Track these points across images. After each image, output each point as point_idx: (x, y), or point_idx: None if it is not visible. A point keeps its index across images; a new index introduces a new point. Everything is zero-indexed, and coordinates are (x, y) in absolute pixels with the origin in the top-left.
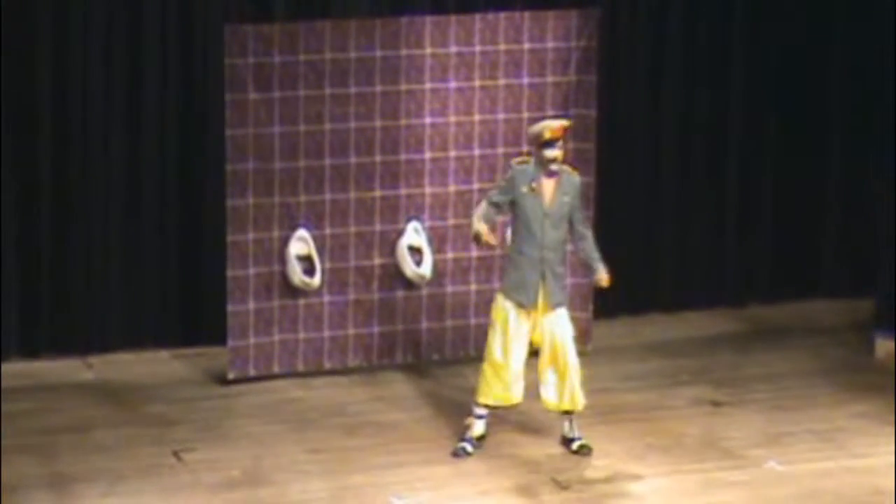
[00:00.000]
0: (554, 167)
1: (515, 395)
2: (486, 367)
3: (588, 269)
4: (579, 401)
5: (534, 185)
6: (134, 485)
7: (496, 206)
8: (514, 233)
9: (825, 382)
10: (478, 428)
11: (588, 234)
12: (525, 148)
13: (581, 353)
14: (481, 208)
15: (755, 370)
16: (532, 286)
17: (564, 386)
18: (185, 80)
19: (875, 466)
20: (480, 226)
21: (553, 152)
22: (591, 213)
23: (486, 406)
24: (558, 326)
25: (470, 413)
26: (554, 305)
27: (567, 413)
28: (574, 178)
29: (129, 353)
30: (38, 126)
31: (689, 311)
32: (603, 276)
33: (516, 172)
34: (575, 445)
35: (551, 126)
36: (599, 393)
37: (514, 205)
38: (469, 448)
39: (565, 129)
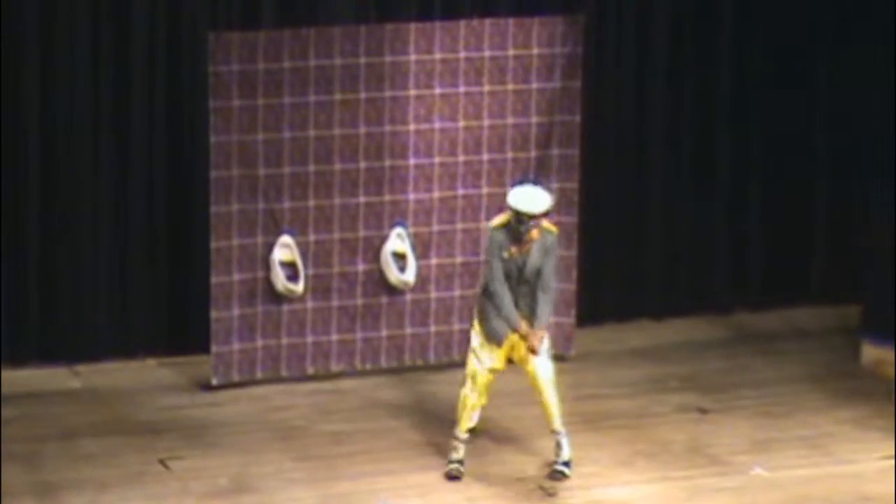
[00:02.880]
0: (529, 239)
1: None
2: (463, 393)
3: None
4: (553, 420)
5: (513, 250)
6: (120, 493)
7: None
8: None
9: (812, 388)
10: (461, 451)
11: (547, 294)
12: (509, 154)
13: (564, 359)
14: (505, 296)
15: (742, 377)
16: (504, 333)
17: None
18: (172, 87)
19: (862, 472)
20: (517, 321)
21: (529, 231)
22: (576, 220)
23: (465, 432)
24: (539, 368)
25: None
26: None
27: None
28: (551, 237)
29: (116, 361)
30: (25, 133)
31: (676, 317)
32: (536, 335)
33: (493, 242)
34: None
35: (531, 212)
36: (586, 399)
37: None
38: (462, 469)
39: (546, 214)
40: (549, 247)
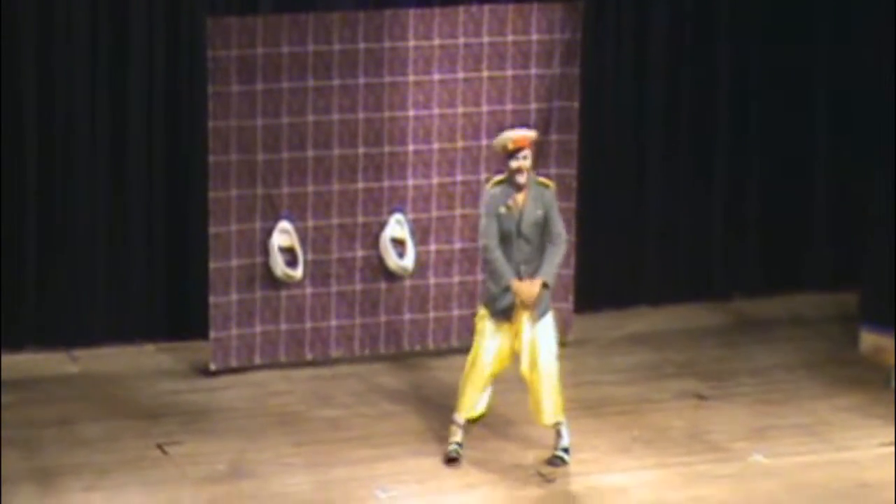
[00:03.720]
0: (521, 179)
1: (478, 409)
2: (463, 377)
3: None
4: (546, 415)
5: (509, 203)
6: (118, 478)
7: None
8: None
9: (810, 375)
10: (459, 435)
11: (555, 243)
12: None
13: (562, 344)
14: (495, 250)
15: (740, 363)
16: (508, 296)
17: (536, 396)
18: (170, 72)
19: (860, 459)
20: (510, 279)
21: (517, 163)
22: (574, 206)
23: (464, 418)
24: (540, 337)
25: (452, 420)
26: (538, 315)
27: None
28: (548, 190)
29: (114, 346)
30: (23, 117)
31: (675, 304)
32: (534, 283)
33: (489, 196)
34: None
35: (513, 137)
36: (584, 386)
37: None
38: (461, 451)
39: (530, 140)
40: (546, 201)
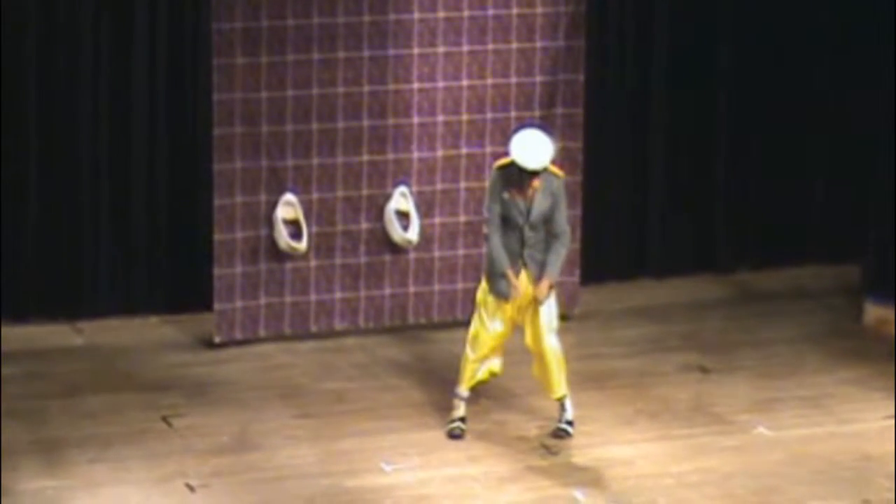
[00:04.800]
0: (530, 192)
1: (479, 375)
2: (465, 352)
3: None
4: (553, 390)
5: (514, 191)
6: (123, 450)
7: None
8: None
9: (813, 348)
10: (461, 409)
11: (560, 241)
12: (513, 113)
13: (568, 318)
14: (494, 236)
15: (744, 336)
16: (504, 282)
17: (543, 371)
18: (174, 44)
19: (863, 432)
20: (506, 268)
21: (534, 182)
22: (579, 179)
23: (467, 389)
24: (542, 314)
25: (454, 394)
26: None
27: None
28: (557, 179)
29: (118, 318)
30: (25, 88)
31: (678, 276)
32: (542, 286)
33: (497, 177)
34: (559, 425)
35: (534, 169)
36: (588, 359)
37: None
38: (464, 426)
39: (545, 169)
40: (555, 190)
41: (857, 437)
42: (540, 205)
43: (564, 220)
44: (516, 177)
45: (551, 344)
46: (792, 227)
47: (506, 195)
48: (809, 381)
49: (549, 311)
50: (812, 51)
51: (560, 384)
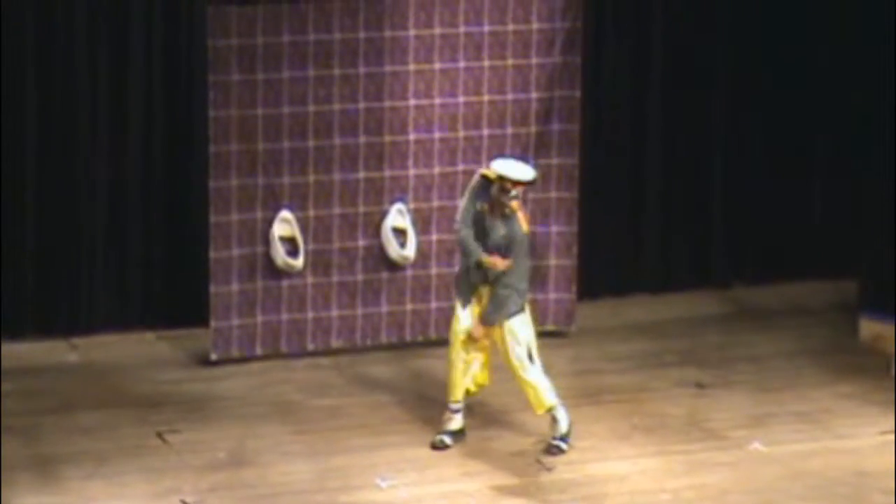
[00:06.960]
0: (506, 211)
1: (466, 383)
2: (449, 359)
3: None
4: (534, 407)
5: (485, 206)
6: (118, 466)
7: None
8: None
9: (810, 364)
10: (455, 422)
11: (504, 290)
12: (509, 129)
13: (565, 334)
14: (465, 229)
15: (740, 351)
16: (477, 273)
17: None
18: (170, 61)
19: (859, 447)
20: (480, 254)
21: (508, 199)
22: (576, 195)
23: (456, 401)
24: (509, 351)
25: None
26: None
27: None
28: (521, 231)
29: (113, 334)
30: (23, 105)
31: (674, 292)
32: (477, 328)
33: (479, 184)
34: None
35: (515, 178)
36: (584, 374)
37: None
38: (448, 440)
39: (531, 183)
40: (514, 238)
41: (853, 452)
42: (497, 235)
43: (518, 278)
44: (495, 192)
45: (524, 377)
46: (788, 242)
47: (478, 205)
48: (806, 396)
49: (516, 348)
50: (812, 61)
51: (540, 403)
